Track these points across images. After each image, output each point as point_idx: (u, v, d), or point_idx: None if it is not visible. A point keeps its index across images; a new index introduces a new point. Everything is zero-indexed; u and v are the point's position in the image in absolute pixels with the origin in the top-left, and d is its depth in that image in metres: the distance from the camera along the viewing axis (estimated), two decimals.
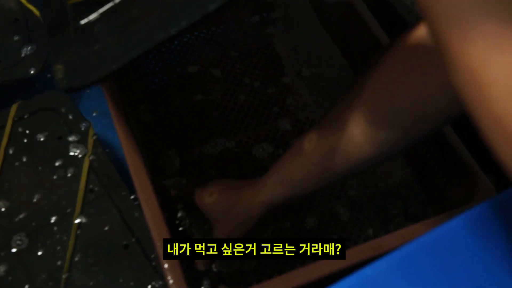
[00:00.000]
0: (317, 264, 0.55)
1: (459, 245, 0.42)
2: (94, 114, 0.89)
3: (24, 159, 0.81)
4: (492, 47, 0.27)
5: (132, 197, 0.76)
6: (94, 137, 0.82)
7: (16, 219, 0.75)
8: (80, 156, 0.80)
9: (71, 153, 0.81)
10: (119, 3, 0.69)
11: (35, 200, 0.77)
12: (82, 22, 0.66)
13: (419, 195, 0.77)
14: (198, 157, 0.81)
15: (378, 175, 0.79)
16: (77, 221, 0.75)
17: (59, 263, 0.72)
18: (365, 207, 0.77)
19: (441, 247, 0.43)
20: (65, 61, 0.55)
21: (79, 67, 0.54)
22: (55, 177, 0.79)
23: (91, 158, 0.80)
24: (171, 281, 0.54)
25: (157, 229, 0.59)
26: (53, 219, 0.75)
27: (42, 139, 0.83)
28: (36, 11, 1.01)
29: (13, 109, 0.86)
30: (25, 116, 0.85)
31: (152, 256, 0.73)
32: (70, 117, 0.85)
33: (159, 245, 0.58)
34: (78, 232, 0.75)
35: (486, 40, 0.27)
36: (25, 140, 0.83)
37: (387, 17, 0.85)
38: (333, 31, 0.94)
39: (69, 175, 0.79)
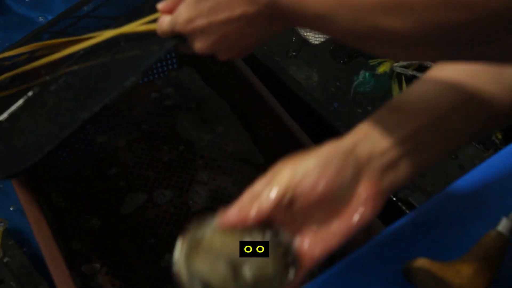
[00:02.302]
0: None
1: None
2: (11, 209, 0.90)
3: None
4: None
5: None
6: (11, 242, 0.82)
7: None
8: None
9: None
10: (32, 97, 0.72)
11: None
12: None
13: None
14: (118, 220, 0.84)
15: None
16: None
17: None
18: None
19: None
20: None
21: (8, 158, 0.57)
22: None
23: (5, 260, 0.80)
24: None
25: None
26: None
27: None
28: None
29: None
30: None
31: None
32: None
33: None
34: None
35: None
36: None
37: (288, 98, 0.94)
38: (233, 103, 1.01)
39: None
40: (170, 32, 0.54)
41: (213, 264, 0.39)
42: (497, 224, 0.53)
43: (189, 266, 0.39)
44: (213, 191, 0.88)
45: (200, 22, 0.48)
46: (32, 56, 0.80)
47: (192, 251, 0.39)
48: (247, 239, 0.39)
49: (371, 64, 1.06)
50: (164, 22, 0.54)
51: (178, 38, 0.54)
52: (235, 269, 0.39)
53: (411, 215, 0.53)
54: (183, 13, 0.50)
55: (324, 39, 1.09)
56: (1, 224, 0.85)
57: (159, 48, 0.57)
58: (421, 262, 0.48)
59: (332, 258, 0.55)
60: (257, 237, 0.39)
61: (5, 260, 0.81)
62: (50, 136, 0.57)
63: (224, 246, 0.39)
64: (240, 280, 0.38)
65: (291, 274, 0.39)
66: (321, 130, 0.93)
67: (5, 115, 0.71)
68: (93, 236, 0.82)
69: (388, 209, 0.74)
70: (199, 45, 0.51)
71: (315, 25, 0.39)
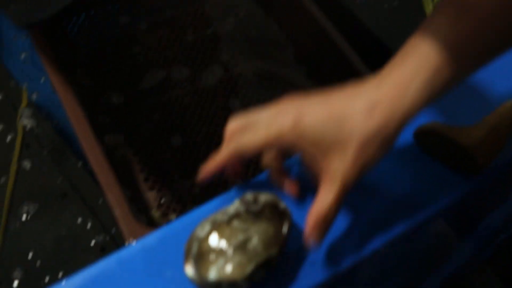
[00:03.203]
0: None
1: None
2: (42, 81, 0.92)
3: None
4: None
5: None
6: (42, 114, 0.85)
7: None
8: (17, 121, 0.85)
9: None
10: None
11: None
12: None
13: None
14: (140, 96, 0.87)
15: None
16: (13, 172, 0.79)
17: None
18: None
19: None
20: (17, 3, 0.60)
21: (32, 7, 0.59)
22: None
23: (37, 130, 0.84)
24: (118, 213, 0.59)
25: (103, 173, 0.64)
26: None
27: None
28: None
29: None
30: None
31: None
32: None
33: (106, 187, 0.64)
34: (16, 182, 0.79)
35: None
36: None
37: None
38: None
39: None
40: None
41: (226, 259, 0.41)
42: None
43: (206, 276, 0.40)
44: (230, 72, 0.90)
45: None
46: None
47: (200, 262, 0.41)
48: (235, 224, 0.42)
49: None
50: None
51: None
52: (245, 249, 0.41)
53: None
54: None
55: None
56: (33, 94, 0.88)
57: None
58: (433, 125, 0.49)
59: None
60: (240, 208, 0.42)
61: (37, 129, 0.85)
62: None
63: (225, 236, 0.41)
64: (252, 254, 0.41)
65: (285, 228, 0.43)
66: (347, 22, 0.92)
67: None
68: (116, 111, 0.85)
69: None
70: None
71: None
